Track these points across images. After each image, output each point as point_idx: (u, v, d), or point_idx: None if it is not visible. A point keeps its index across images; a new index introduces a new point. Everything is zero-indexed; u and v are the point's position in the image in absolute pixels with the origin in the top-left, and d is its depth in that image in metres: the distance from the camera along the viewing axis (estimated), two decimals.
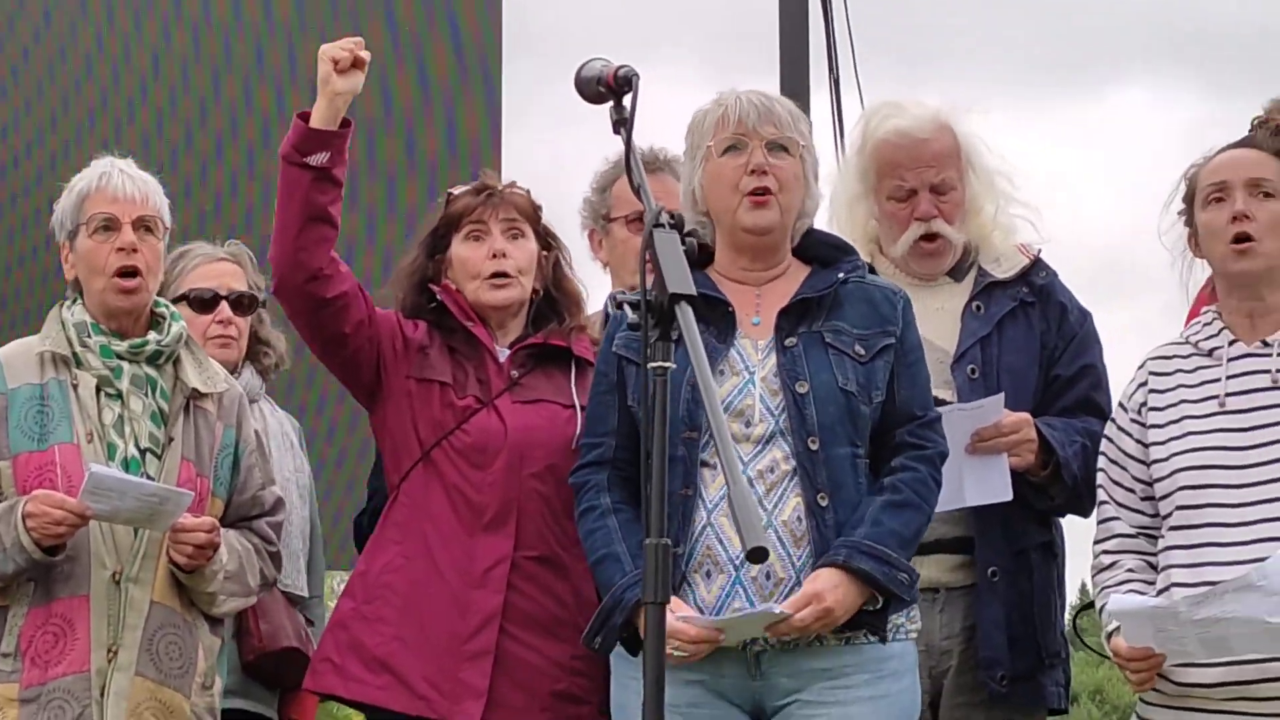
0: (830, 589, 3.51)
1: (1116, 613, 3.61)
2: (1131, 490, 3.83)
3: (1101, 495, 3.86)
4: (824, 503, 3.58)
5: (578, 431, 4.00)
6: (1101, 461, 3.88)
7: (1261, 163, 3.80)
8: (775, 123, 3.77)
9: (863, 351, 3.69)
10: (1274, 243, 3.75)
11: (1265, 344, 3.75)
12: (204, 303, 4.63)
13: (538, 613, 3.97)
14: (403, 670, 3.94)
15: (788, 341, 3.68)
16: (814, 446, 3.59)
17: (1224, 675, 3.58)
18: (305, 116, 3.92)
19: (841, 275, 3.78)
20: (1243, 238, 3.74)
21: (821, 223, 4.08)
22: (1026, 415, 4.09)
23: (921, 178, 4.26)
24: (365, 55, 3.92)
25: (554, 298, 4.25)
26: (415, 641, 3.94)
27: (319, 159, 3.90)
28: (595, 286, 4.60)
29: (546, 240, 4.26)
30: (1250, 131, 3.96)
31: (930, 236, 4.27)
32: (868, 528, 3.57)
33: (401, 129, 7.27)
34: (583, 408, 4.03)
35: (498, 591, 3.95)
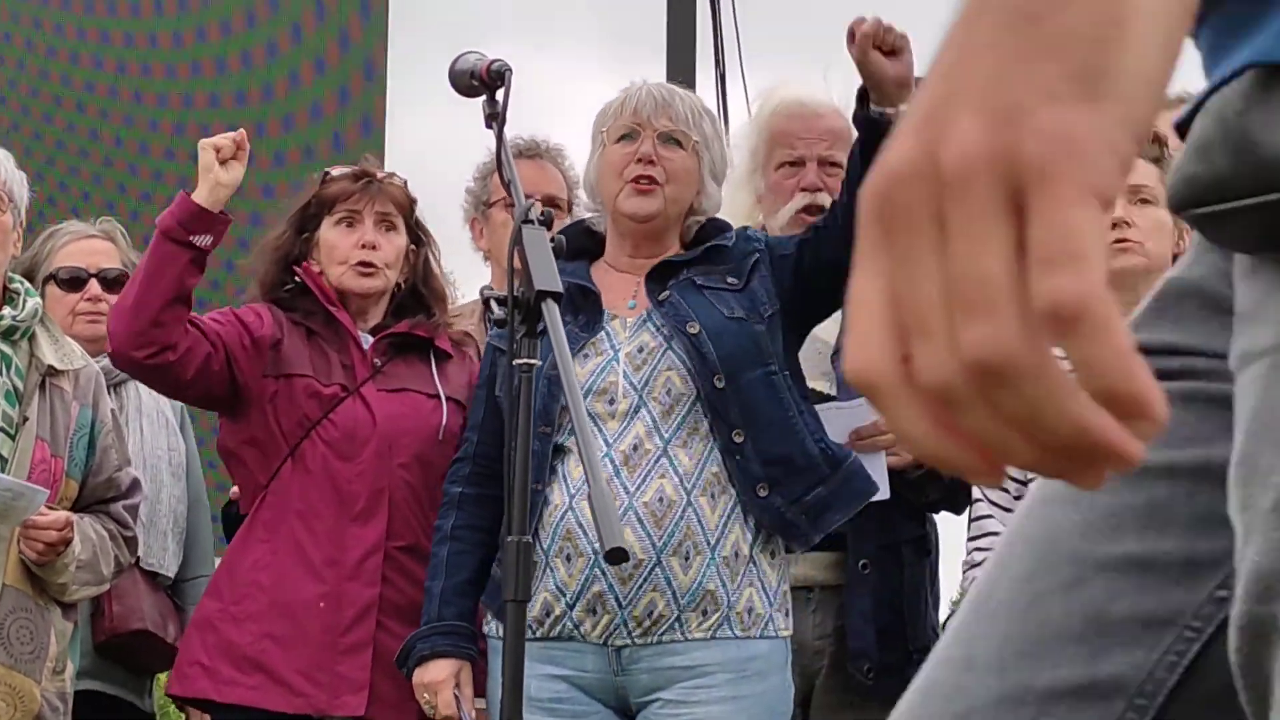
0: None
1: None
2: (1005, 490, 3.84)
3: (977, 492, 3.88)
4: (740, 439, 3.58)
5: (443, 421, 4.02)
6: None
7: (1139, 170, 3.84)
8: (671, 116, 3.77)
9: (735, 280, 3.72)
10: (1155, 245, 3.80)
11: None
12: (73, 281, 4.56)
13: (407, 604, 3.94)
14: (277, 668, 3.89)
15: (662, 296, 3.69)
16: (720, 384, 3.59)
17: None
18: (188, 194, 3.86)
19: (709, 244, 3.80)
20: (1122, 242, 3.78)
21: None
22: None
23: (812, 149, 4.28)
24: (246, 147, 3.87)
25: (420, 293, 4.24)
26: (288, 638, 3.90)
27: (203, 240, 3.84)
28: (479, 277, 4.61)
29: (417, 235, 4.24)
30: None
31: (814, 209, 4.28)
32: None
33: (284, 114, 7.23)
34: (448, 398, 4.06)
35: (372, 583, 3.93)
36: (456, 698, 3.65)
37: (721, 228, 3.89)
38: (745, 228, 3.90)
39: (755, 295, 3.71)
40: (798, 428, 3.63)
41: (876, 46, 3.61)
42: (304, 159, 7.02)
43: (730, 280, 3.72)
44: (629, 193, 3.75)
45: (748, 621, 3.60)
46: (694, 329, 3.63)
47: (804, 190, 4.28)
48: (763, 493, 3.58)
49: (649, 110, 3.77)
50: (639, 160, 3.74)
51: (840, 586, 4.13)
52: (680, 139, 3.77)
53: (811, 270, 3.71)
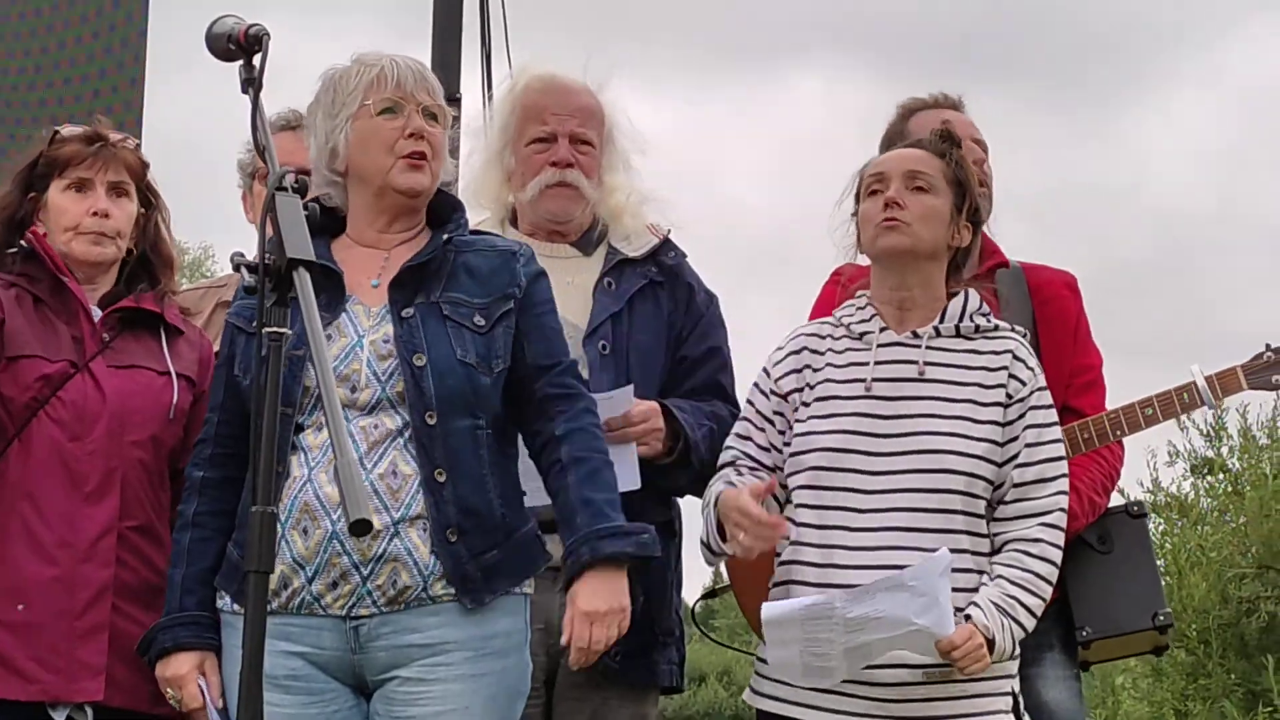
0: (591, 594, 3.56)
1: (769, 622, 3.66)
2: (765, 449, 3.90)
3: (732, 440, 3.94)
4: (441, 479, 3.54)
5: (174, 399, 3.94)
6: (740, 425, 3.95)
7: (922, 159, 3.90)
8: (429, 90, 3.76)
9: (482, 322, 3.67)
10: (924, 229, 3.83)
11: (915, 335, 3.85)
12: None
13: (141, 585, 3.85)
14: (10, 656, 3.75)
15: (405, 313, 3.64)
16: (431, 421, 3.56)
17: None
18: None
19: (446, 236, 3.75)
20: (891, 221, 3.82)
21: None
22: (655, 405, 4.12)
23: (564, 125, 4.28)
24: None
25: (149, 259, 4.13)
26: (19, 625, 3.76)
27: None
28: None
29: (148, 198, 4.14)
30: (890, 136, 4.07)
31: (563, 185, 4.28)
32: (584, 513, 3.58)
33: (44, 76, 7.07)
34: (178, 374, 3.97)
35: (106, 565, 3.82)
36: (202, 689, 3.59)
37: (450, 203, 3.87)
38: (517, 245, 3.85)
39: (494, 345, 3.69)
40: (488, 485, 3.62)
41: None
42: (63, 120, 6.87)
43: (478, 321, 3.68)
44: (403, 168, 3.72)
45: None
46: (420, 362, 3.60)
47: (554, 165, 4.28)
48: (452, 538, 3.56)
49: (411, 84, 3.75)
50: (411, 135, 3.71)
51: None
52: (437, 114, 3.77)
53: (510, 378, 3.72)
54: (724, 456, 3.93)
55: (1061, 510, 3.77)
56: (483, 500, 3.59)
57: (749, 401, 3.97)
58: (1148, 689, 15.87)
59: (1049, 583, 3.71)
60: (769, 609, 3.67)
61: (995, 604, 3.63)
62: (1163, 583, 15.20)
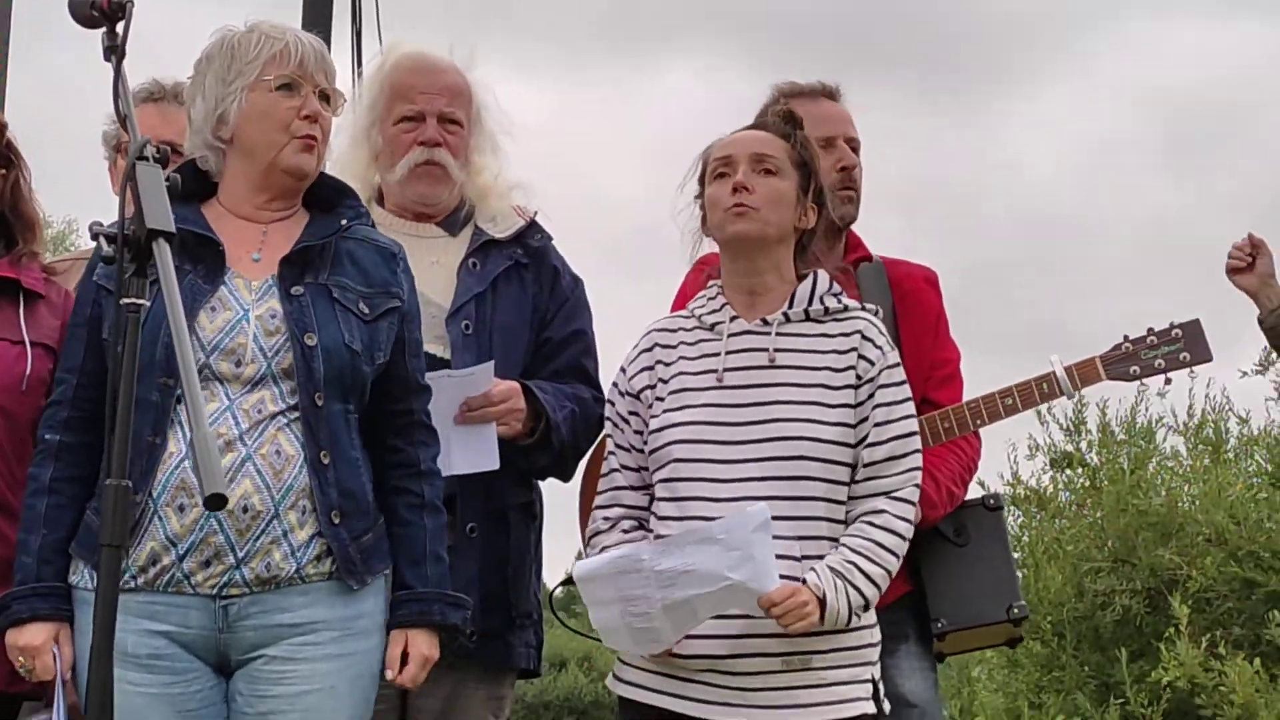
0: (430, 646, 3.64)
1: (580, 578, 3.67)
2: (629, 450, 3.91)
3: (611, 461, 3.93)
4: (325, 460, 3.54)
5: (28, 369, 3.85)
6: (607, 426, 3.95)
7: (767, 141, 3.91)
8: (327, 72, 3.74)
9: (367, 310, 3.66)
10: (772, 213, 3.84)
11: (765, 322, 3.86)
12: None
13: None
14: None
15: (294, 290, 3.62)
16: (320, 402, 3.55)
17: (699, 647, 3.70)
18: None
19: (344, 222, 3.74)
20: (739, 206, 3.83)
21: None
22: (516, 385, 4.11)
23: (432, 103, 4.27)
24: None
25: (7, 220, 4.06)
26: None
27: None
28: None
29: (8, 158, 4.06)
30: (762, 116, 4.06)
31: (431, 165, 4.27)
32: (434, 568, 3.66)
33: None
34: (34, 343, 3.88)
35: None
36: (55, 659, 3.53)
37: (341, 189, 3.85)
38: (394, 247, 3.84)
39: (377, 337, 3.68)
40: (360, 469, 3.63)
41: None
42: None
43: (363, 309, 3.67)
44: (295, 149, 3.70)
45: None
46: (311, 341, 3.58)
47: (422, 144, 4.26)
48: (336, 520, 3.56)
49: (313, 64, 3.72)
50: (306, 117, 3.69)
51: (449, 548, 4.12)
52: (330, 96, 3.75)
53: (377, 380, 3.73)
54: (595, 524, 3.92)
55: (915, 486, 3.80)
56: (358, 484, 3.60)
57: (610, 401, 3.97)
58: (1003, 680, 16.04)
59: (893, 554, 3.72)
60: (579, 566, 3.69)
61: (832, 568, 3.65)
62: (1019, 575, 15.39)
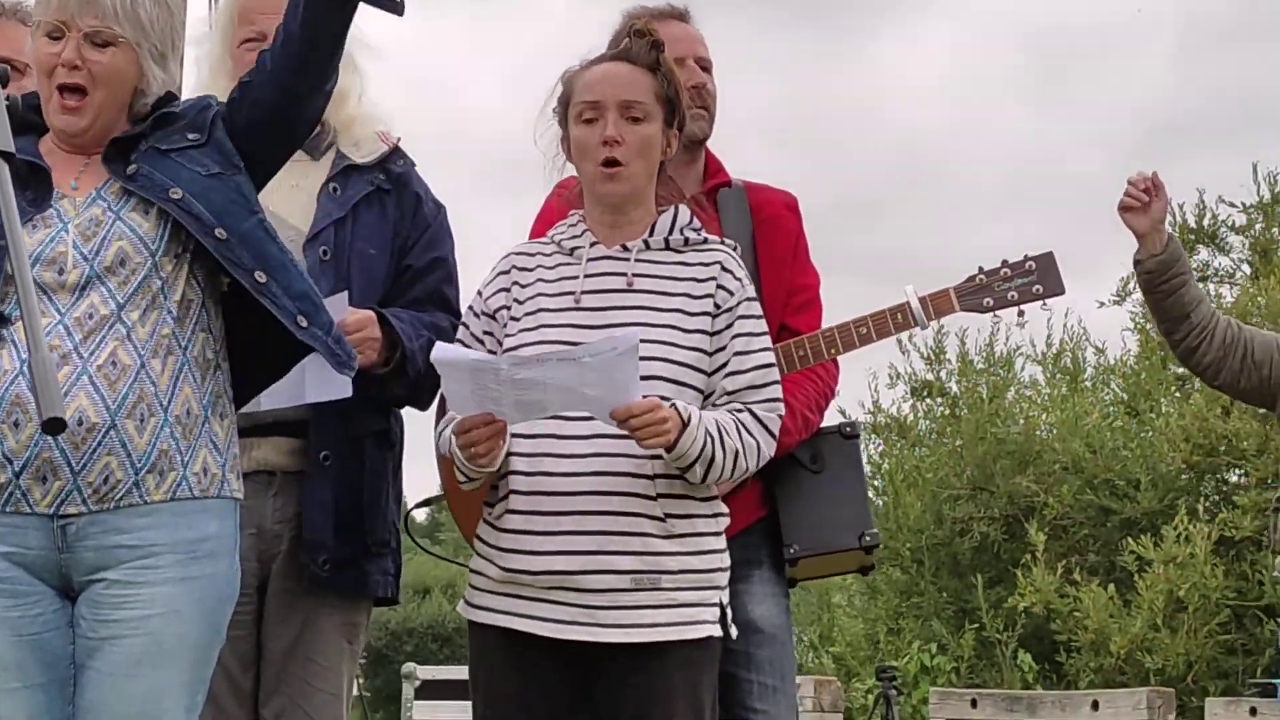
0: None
1: (438, 361, 3.66)
2: None
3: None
4: (263, 279, 3.49)
5: None
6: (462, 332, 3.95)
7: (635, 82, 3.87)
8: (98, 13, 3.54)
9: (197, 136, 3.59)
10: (641, 164, 3.84)
11: (625, 248, 3.86)
12: None
13: None
14: None
15: (130, 170, 3.55)
16: (223, 235, 3.49)
17: (548, 564, 3.70)
18: None
19: (162, 112, 3.65)
20: (612, 162, 3.82)
21: None
22: (371, 314, 4.08)
23: (273, 24, 4.18)
24: None
25: None
26: None
27: None
28: None
29: None
30: (625, 42, 4.01)
31: None
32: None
33: None
34: None
35: None
36: None
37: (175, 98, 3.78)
38: (211, 98, 3.77)
39: (224, 147, 3.60)
40: (298, 268, 3.59)
41: None
42: None
43: (191, 136, 3.59)
44: (55, 108, 3.58)
45: (204, 482, 3.52)
46: (177, 194, 3.50)
47: None
48: (303, 323, 3.51)
49: (74, 7, 3.54)
50: (64, 65, 3.54)
51: (301, 473, 4.10)
52: (109, 38, 3.57)
53: (250, 120, 3.63)
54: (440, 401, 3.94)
55: (777, 416, 3.82)
56: (303, 283, 3.56)
57: (464, 324, 3.96)
58: (863, 606, 16.27)
59: (746, 454, 3.73)
60: (440, 348, 3.68)
61: (696, 411, 3.69)
62: (880, 502, 15.60)
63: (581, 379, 3.55)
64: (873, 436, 16.63)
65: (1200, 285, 5.62)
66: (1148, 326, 15.12)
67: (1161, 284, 4.85)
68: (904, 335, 15.86)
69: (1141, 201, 4.77)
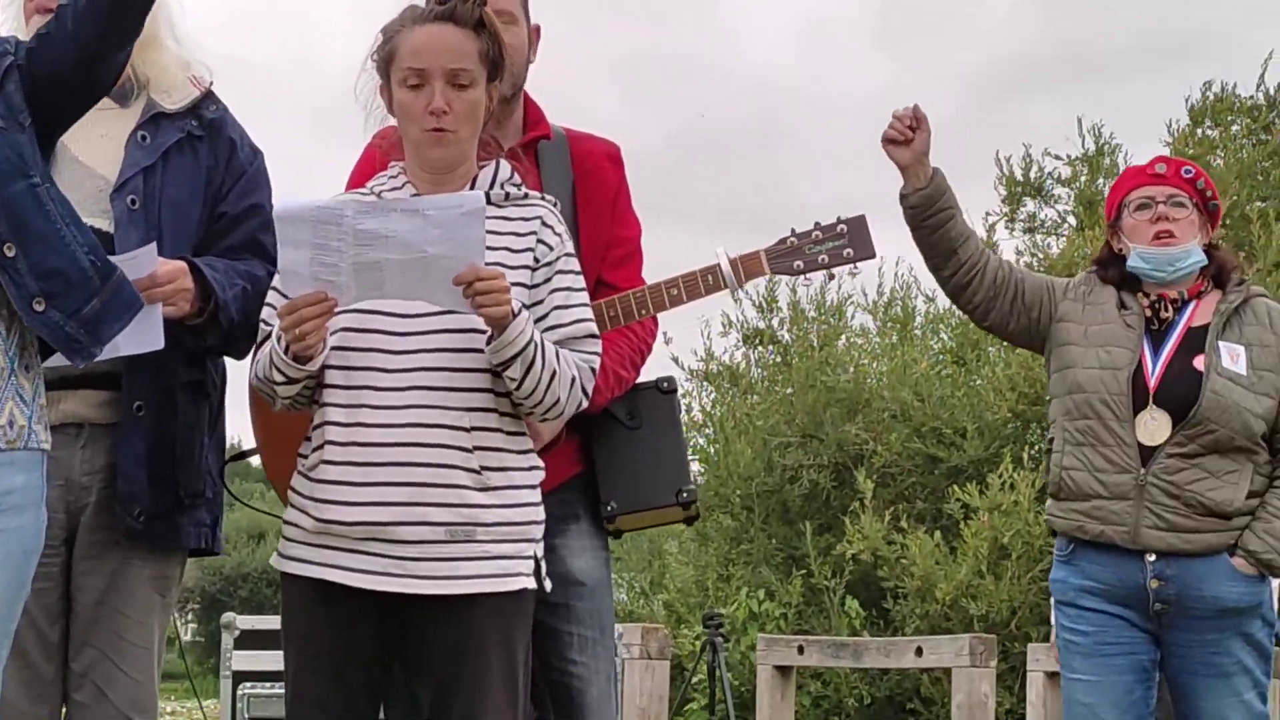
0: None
1: (279, 215, 3.64)
2: None
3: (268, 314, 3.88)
4: (11, 254, 3.41)
5: None
6: (273, 295, 3.88)
7: (461, 49, 3.84)
8: None
9: None
10: (468, 129, 3.83)
11: None
12: None
13: None
14: None
15: None
16: None
17: (362, 515, 3.70)
18: None
19: None
20: (437, 130, 3.80)
21: None
22: (182, 264, 4.01)
23: None
24: None
25: None
26: None
27: None
28: None
29: None
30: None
31: None
32: None
33: None
34: None
35: None
36: None
37: None
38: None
39: (12, 102, 3.51)
40: (67, 240, 3.49)
41: None
42: None
43: None
44: None
45: (11, 434, 3.46)
46: None
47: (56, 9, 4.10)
48: (39, 307, 3.43)
49: None
50: None
51: (111, 425, 4.04)
52: None
53: (45, 76, 3.54)
54: (263, 332, 3.87)
55: (592, 370, 3.84)
56: (66, 258, 3.48)
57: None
58: (694, 553, 16.37)
59: (560, 379, 3.74)
60: (280, 202, 3.68)
61: (528, 315, 3.71)
62: (711, 450, 15.67)
63: (424, 234, 3.56)
64: (705, 385, 16.72)
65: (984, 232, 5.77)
66: None
67: (928, 218, 4.88)
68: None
69: (905, 136, 4.78)
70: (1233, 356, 4.68)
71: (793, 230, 4.35)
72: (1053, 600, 4.89)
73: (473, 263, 3.61)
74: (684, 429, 4.52)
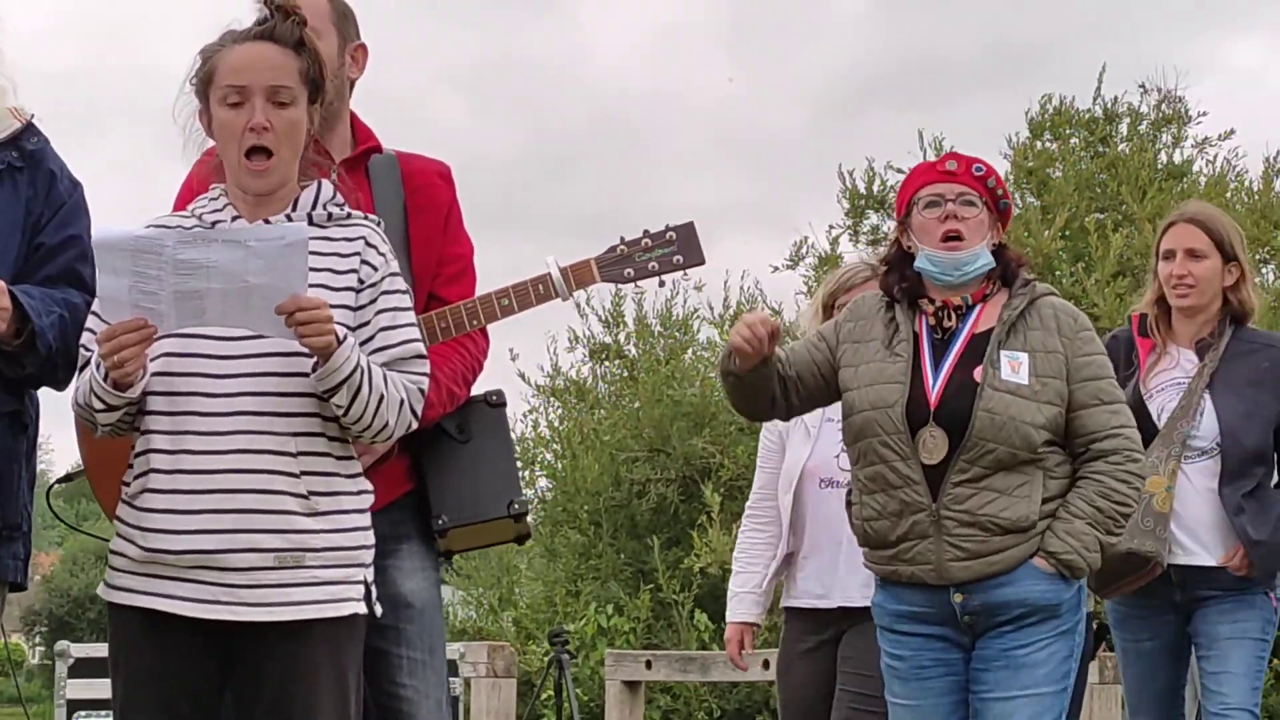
0: None
1: (98, 242, 3.59)
2: None
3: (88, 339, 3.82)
4: None
5: None
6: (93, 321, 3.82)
7: (282, 66, 3.80)
8: None
9: None
10: (288, 149, 3.79)
11: (266, 224, 3.78)
12: None
13: None
14: None
15: None
16: None
17: (190, 543, 3.65)
18: None
19: None
20: (259, 150, 3.76)
21: None
22: (1, 284, 3.96)
23: None
24: None
25: None
26: None
27: None
28: None
29: None
30: (269, 19, 3.92)
31: None
32: None
33: None
34: None
35: None
36: None
37: None
38: None
39: None
40: None
41: None
42: None
43: None
44: None
45: None
46: None
47: None
48: None
49: None
50: None
51: None
52: None
53: None
54: (84, 358, 3.81)
55: (421, 391, 3.82)
56: None
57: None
58: (542, 569, 16.35)
59: (389, 404, 3.72)
60: (99, 229, 3.62)
61: (354, 340, 3.70)
62: (559, 465, 15.65)
63: (246, 265, 3.52)
64: (551, 400, 16.71)
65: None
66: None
67: (746, 389, 4.62)
68: (582, 297, 15.95)
69: (756, 351, 4.47)
70: (1014, 366, 4.52)
71: (622, 238, 4.36)
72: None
73: (295, 293, 3.58)
74: (520, 443, 4.50)
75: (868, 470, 4.54)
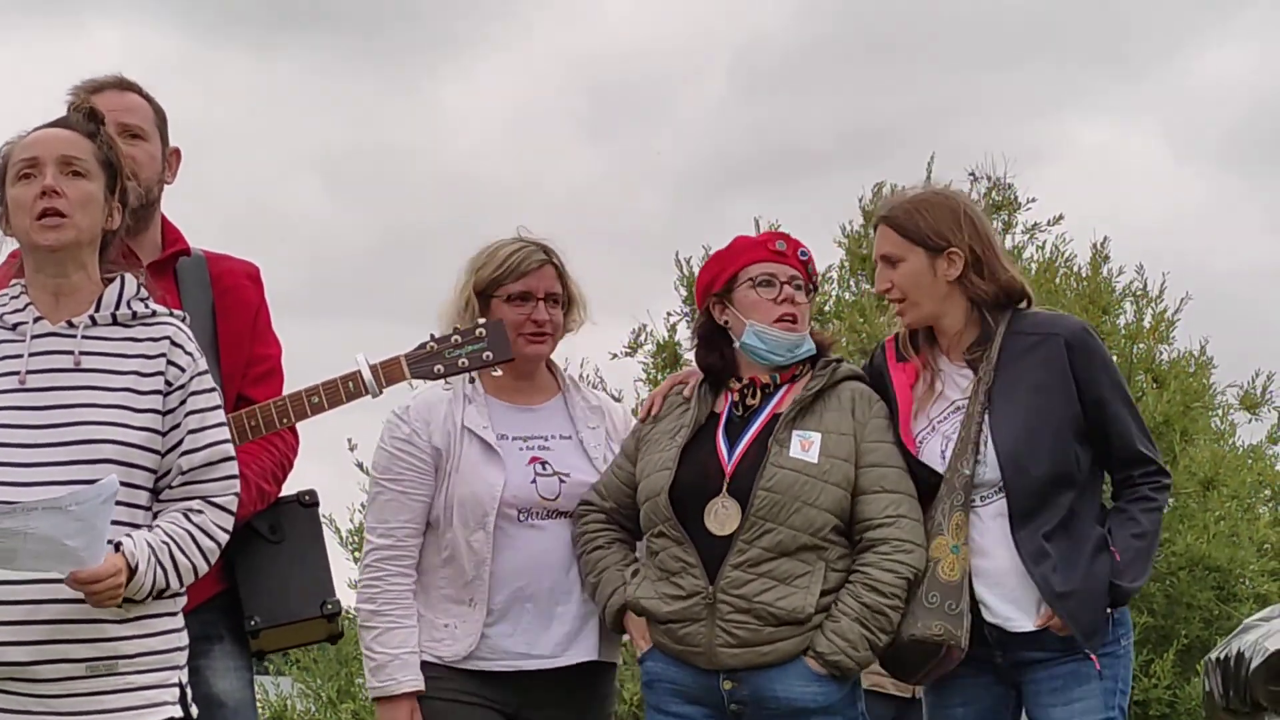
0: None
1: None
2: None
3: None
4: None
5: None
6: None
7: (74, 142, 3.82)
8: None
9: None
10: (84, 218, 3.77)
11: (70, 325, 3.78)
12: None
13: None
14: None
15: None
16: None
17: (2, 655, 3.61)
18: None
19: None
20: (52, 212, 3.74)
21: None
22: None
23: None
24: None
25: None
26: None
27: None
28: None
29: None
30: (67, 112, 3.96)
31: None
32: None
33: None
34: None
35: None
36: None
37: None
38: None
39: None
40: None
41: None
42: None
43: None
44: None
45: None
46: None
47: None
48: None
49: None
50: None
51: None
52: None
53: None
54: None
55: (233, 495, 3.82)
56: None
57: None
58: None
59: (204, 555, 3.74)
60: None
61: (149, 543, 3.66)
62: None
63: (64, 529, 3.49)
64: None
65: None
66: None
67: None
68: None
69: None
70: (805, 445, 4.40)
71: (432, 335, 4.40)
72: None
73: (87, 564, 3.55)
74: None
75: (656, 560, 4.48)
